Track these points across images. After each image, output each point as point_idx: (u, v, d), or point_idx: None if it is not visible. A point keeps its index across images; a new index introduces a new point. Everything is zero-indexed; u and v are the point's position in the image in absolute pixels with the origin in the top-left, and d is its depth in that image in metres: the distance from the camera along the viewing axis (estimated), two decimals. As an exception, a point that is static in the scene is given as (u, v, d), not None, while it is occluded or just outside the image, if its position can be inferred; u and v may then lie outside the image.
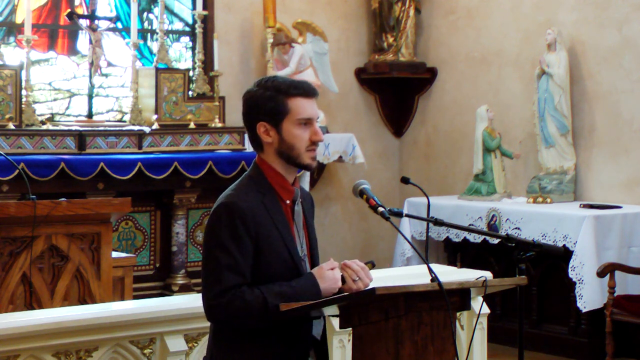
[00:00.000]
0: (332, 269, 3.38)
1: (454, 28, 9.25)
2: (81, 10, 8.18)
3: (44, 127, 7.51)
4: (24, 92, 7.47)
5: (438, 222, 3.63)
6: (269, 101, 3.40)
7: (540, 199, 7.90)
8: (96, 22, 7.87)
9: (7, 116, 7.35)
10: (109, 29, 8.21)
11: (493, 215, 7.78)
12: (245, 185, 3.42)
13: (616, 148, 7.93)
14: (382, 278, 4.89)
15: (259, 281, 3.32)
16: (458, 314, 4.12)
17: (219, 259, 3.28)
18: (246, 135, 8.61)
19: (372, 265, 3.50)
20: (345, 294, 3.38)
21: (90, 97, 8.11)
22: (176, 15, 8.91)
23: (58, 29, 8.29)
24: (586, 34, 8.12)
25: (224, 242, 3.28)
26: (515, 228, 7.58)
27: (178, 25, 8.93)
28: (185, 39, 8.93)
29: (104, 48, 7.93)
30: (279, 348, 3.34)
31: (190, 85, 8.33)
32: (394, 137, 9.80)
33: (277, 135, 3.40)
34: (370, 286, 3.12)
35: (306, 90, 3.43)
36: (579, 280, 7.10)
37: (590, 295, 7.06)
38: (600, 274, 6.90)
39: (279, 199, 3.42)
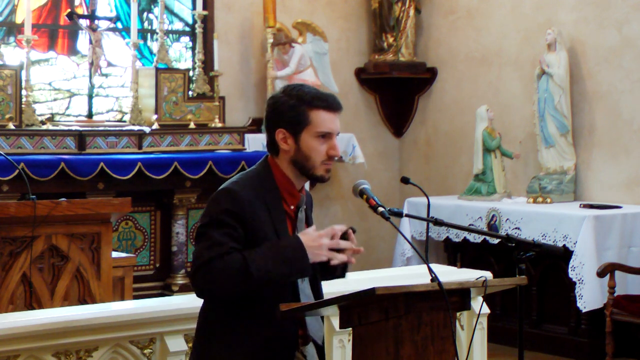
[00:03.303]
0: (319, 235, 3.36)
1: (454, 28, 9.25)
2: (81, 10, 8.18)
3: (44, 127, 7.51)
4: (24, 92, 7.47)
5: (438, 222, 3.63)
6: (291, 110, 3.39)
7: (540, 199, 7.90)
8: (96, 22, 7.87)
9: (7, 116, 7.34)
10: (109, 29, 8.21)
11: (493, 215, 7.78)
12: (252, 179, 3.41)
13: (616, 148, 7.93)
14: (382, 278, 4.90)
15: None
16: (458, 314, 4.12)
17: (208, 235, 3.28)
18: (246, 135, 8.68)
19: (354, 232, 3.48)
20: (345, 294, 3.38)
21: (90, 97, 8.11)
22: (176, 15, 8.91)
23: (58, 29, 8.30)
24: (586, 34, 8.12)
25: (217, 222, 3.28)
26: (515, 228, 7.58)
27: (178, 25, 8.93)
28: (185, 39, 8.93)
29: (104, 48, 7.93)
30: (264, 346, 3.33)
31: (190, 85, 8.33)
32: (394, 137, 9.80)
33: (295, 145, 3.40)
34: (370, 286, 3.11)
35: (330, 104, 3.42)
36: (579, 280, 7.10)
37: (590, 295, 7.07)
38: (600, 274, 6.90)
39: (282, 201, 3.42)
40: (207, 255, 3.25)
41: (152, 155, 7.67)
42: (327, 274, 3.54)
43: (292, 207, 3.45)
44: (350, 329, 3.32)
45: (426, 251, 4.04)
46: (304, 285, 3.45)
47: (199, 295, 3.36)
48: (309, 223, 3.54)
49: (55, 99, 8.21)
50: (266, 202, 3.36)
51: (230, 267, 3.22)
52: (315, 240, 3.32)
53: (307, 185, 9.18)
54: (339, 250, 3.38)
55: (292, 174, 3.43)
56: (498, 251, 7.87)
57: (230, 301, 3.34)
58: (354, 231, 3.48)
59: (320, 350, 3.50)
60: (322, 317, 3.56)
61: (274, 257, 3.26)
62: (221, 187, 3.39)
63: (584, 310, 7.13)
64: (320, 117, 3.39)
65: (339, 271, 3.54)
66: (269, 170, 3.44)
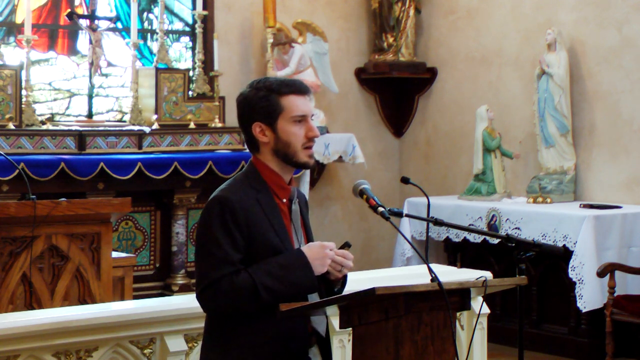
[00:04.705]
0: (322, 246, 3.38)
1: (454, 28, 9.25)
2: (81, 10, 8.18)
3: (44, 127, 7.51)
4: (24, 92, 7.47)
5: (438, 222, 3.63)
6: (262, 101, 3.41)
7: (540, 199, 7.90)
8: (96, 22, 7.87)
9: (7, 116, 7.34)
10: (109, 29, 8.21)
11: (493, 215, 7.78)
12: (240, 181, 3.43)
13: (616, 148, 7.93)
14: (382, 278, 4.90)
15: None
16: (458, 314, 4.12)
17: (210, 252, 3.30)
18: (246, 136, 8.63)
19: (349, 247, 3.48)
20: (346, 294, 3.38)
21: (90, 97, 8.11)
22: (176, 15, 8.91)
23: (58, 29, 8.29)
24: (586, 34, 8.12)
25: (215, 235, 3.30)
26: (515, 228, 7.58)
27: (178, 25, 8.93)
28: (185, 39, 8.93)
29: (104, 48, 7.93)
30: (276, 346, 3.34)
31: (190, 85, 8.33)
32: (394, 137, 9.80)
33: (273, 134, 3.41)
34: (370, 286, 3.11)
35: (298, 88, 3.45)
36: (579, 280, 7.10)
37: (590, 295, 7.06)
38: (600, 274, 6.90)
39: (274, 196, 3.42)
40: (213, 275, 3.27)
41: (152, 155, 7.67)
42: (327, 291, 3.51)
43: (285, 200, 3.45)
44: (350, 329, 3.32)
45: (426, 251, 4.04)
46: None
47: (206, 312, 3.39)
48: (305, 223, 3.54)
49: (55, 99, 8.20)
50: (258, 200, 3.37)
51: (239, 290, 3.25)
52: (319, 252, 3.35)
53: (307, 187, 9.16)
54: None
55: (277, 166, 3.44)
56: (498, 251, 7.87)
57: None
58: (349, 246, 3.48)
59: (323, 341, 3.48)
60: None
61: (282, 278, 3.28)
62: (211, 196, 3.40)
63: (584, 310, 7.13)
64: (292, 101, 3.41)
65: (338, 287, 3.53)
66: (254, 169, 3.45)
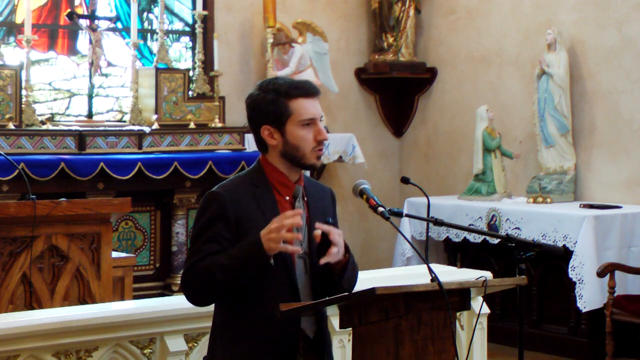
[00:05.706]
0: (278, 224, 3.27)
1: (454, 28, 9.25)
2: (81, 10, 8.18)
3: (44, 127, 7.52)
4: (24, 92, 7.47)
5: (438, 222, 3.63)
6: (271, 104, 3.39)
7: (540, 199, 7.90)
8: (96, 22, 7.88)
9: (7, 116, 7.35)
10: (109, 29, 8.21)
11: (493, 215, 7.78)
12: (240, 178, 3.45)
13: (616, 148, 7.93)
14: (382, 278, 4.90)
15: None
16: (458, 314, 4.12)
17: (195, 243, 3.34)
18: (246, 135, 8.68)
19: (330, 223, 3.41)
20: (346, 294, 3.37)
21: (90, 97, 8.11)
22: (176, 15, 8.91)
23: (58, 29, 8.30)
24: (586, 34, 8.12)
25: (202, 228, 3.34)
26: (515, 228, 7.58)
27: (178, 25, 8.93)
28: (185, 39, 8.93)
29: (104, 48, 7.94)
30: (266, 343, 3.34)
31: (190, 85, 8.33)
32: (394, 137, 9.80)
33: (282, 138, 3.40)
34: (370, 286, 3.11)
35: (307, 90, 3.42)
36: (579, 280, 7.10)
37: (590, 295, 7.07)
38: (600, 274, 6.90)
39: (275, 193, 3.41)
40: (185, 267, 3.35)
41: (152, 155, 7.67)
42: (329, 282, 3.45)
43: (287, 198, 3.44)
44: (350, 329, 3.32)
45: (426, 251, 4.05)
46: (304, 285, 3.42)
47: (192, 303, 3.42)
48: (312, 221, 3.44)
49: (55, 99, 8.21)
50: (254, 194, 3.37)
51: (201, 274, 3.28)
52: (267, 228, 3.25)
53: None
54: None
55: (284, 167, 3.43)
56: (498, 251, 7.87)
57: (231, 303, 3.35)
58: (330, 222, 3.40)
59: (311, 343, 3.47)
60: None
61: (233, 255, 3.27)
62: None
63: (584, 310, 7.14)
64: (301, 105, 3.39)
65: (337, 276, 3.43)
66: (260, 167, 3.46)
